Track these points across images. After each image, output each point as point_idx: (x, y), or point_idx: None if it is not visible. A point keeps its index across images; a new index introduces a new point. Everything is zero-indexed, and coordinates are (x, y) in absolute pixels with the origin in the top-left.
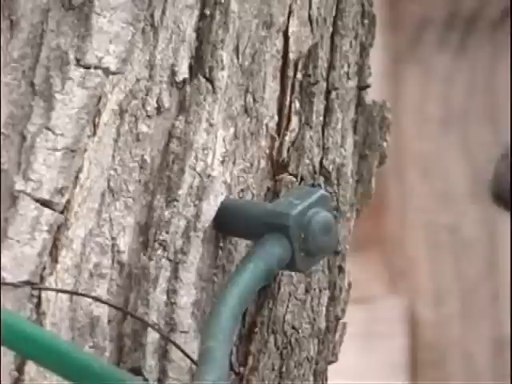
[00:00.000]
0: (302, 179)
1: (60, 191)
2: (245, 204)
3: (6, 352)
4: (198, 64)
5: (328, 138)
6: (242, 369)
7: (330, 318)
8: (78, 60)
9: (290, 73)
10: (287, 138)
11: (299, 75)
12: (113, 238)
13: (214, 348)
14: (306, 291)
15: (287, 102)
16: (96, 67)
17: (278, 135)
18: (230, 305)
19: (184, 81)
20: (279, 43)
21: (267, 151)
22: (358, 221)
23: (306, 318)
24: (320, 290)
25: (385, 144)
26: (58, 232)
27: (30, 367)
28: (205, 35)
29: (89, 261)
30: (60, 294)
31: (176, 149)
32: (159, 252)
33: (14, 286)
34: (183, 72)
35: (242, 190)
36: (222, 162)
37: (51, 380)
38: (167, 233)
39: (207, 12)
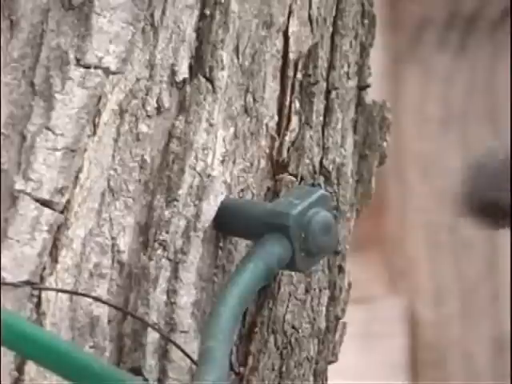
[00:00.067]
0: (301, 179)
1: (60, 191)
2: (245, 204)
3: (6, 352)
4: (198, 64)
5: (328, 138)
6: (242, 369)
7: (330, 317)
8: (78, 60)
9: (290, 73)
10: (287, 138)
11: (299, 75)
12: (113, 238)
13: (214, 348)
14: (306, 291)
15: (287, 102)
16: (96, 67)
17: (278, 135)
18: (230, 305)
19: (184, 81)
20: (279, 43)
21: (267, 151)
22: (358, 221)
23: (306, 317)
24: (320, 290)
25: (385, 144)
26: (58, 232)
27: (30, 367)
28: (205, 35)
29: (89, 261)
30: (60, 294)
31: (176, 149)
32: (159, 252)
33: (14, 285)
34: (183, 72)
35: (242, 190)
36: (222, 162)
37: (51, 380)
38: (167, 233)
39: (207, 12)
